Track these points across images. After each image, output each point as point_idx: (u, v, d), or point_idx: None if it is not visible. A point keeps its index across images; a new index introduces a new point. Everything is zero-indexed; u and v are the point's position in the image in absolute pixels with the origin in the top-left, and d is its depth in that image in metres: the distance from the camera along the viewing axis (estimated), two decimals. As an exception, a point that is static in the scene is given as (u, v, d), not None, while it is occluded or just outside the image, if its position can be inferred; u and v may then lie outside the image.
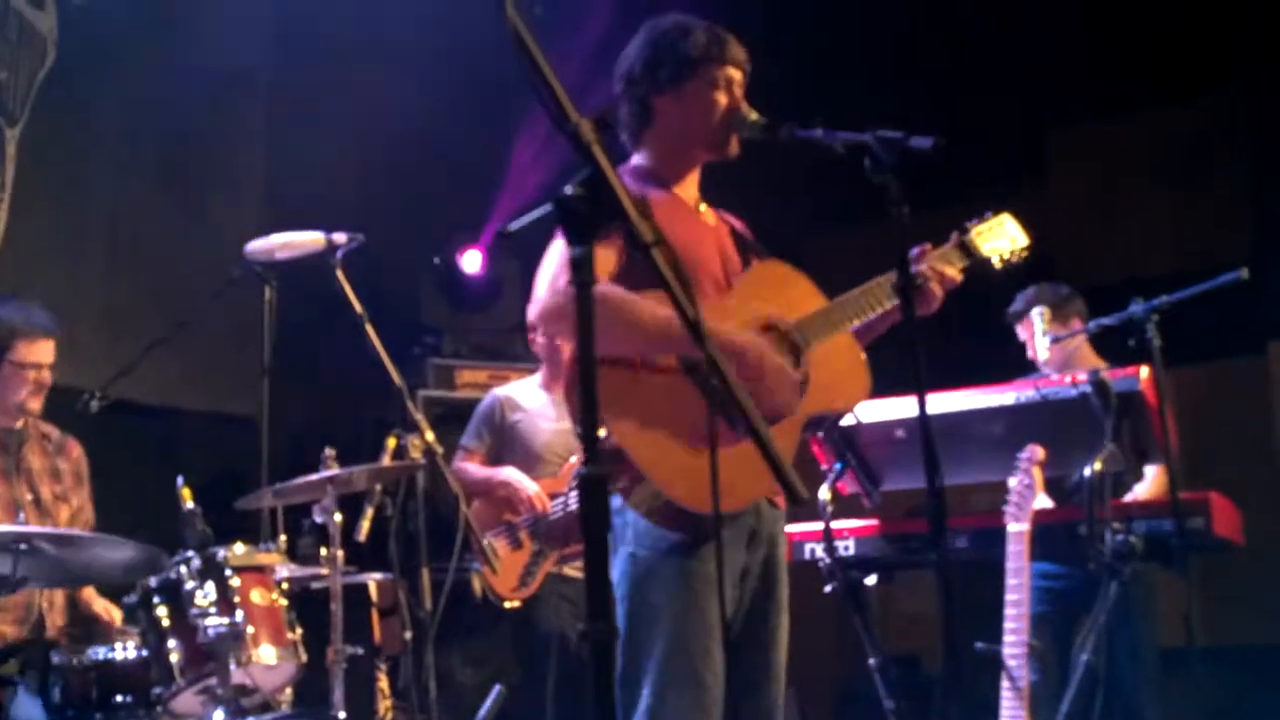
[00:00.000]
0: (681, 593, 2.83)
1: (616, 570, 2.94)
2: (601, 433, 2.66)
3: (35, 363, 4.49)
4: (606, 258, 2.81)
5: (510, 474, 4.92)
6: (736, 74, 3.08)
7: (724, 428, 2.69)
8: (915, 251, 3.13)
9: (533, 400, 5.14)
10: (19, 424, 4.55)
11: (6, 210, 5.81)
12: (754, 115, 3.03)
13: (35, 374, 4.49)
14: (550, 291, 2.83)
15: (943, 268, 3.16)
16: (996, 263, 3.33)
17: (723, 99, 3.04)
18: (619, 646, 2.87)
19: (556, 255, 2.89)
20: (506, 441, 5.09)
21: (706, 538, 2.79)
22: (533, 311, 2.88)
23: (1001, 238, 3.34)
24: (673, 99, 3.04)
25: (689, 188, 3.15)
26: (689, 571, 2.83)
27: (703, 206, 3.17)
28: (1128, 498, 4.55)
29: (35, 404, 4.52)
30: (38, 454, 4.59)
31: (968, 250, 3.26)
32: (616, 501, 2.91)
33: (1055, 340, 4.84)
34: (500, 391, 5.24)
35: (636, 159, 3.14)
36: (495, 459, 5.07)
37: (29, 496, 4.46)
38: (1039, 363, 4.97)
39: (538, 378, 5.23)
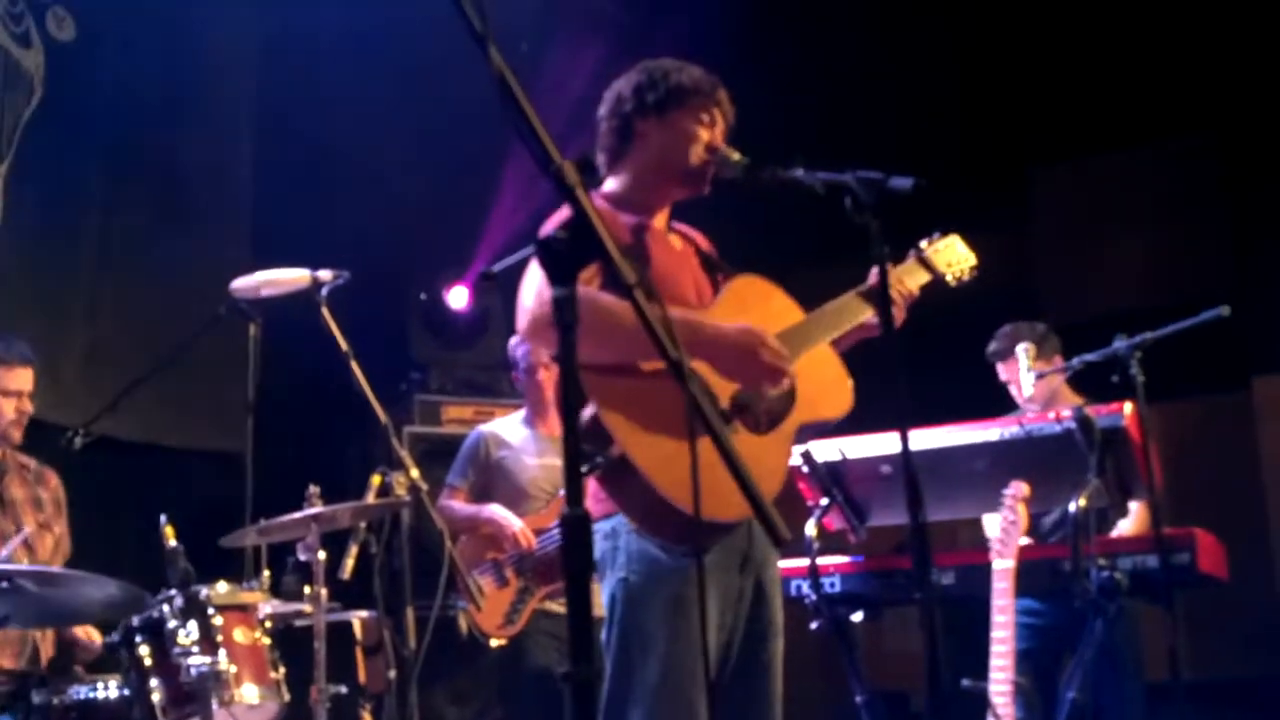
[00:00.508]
0: (675, 619, 2.81)
1: (606, 595, 2.92)
2: (612, 450, 2.70)
3: (15, 390, 4.51)
4: (590, 273, 2.78)
5: (495, 511, 4.92)
6: (721, 117, 3.11)
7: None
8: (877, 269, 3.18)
9: (517, 436, 5.15)
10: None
11: (-8, 244, 5.81)
12: (736, 155, 3.05)
13: (16, 402, 4.49)
14: (538, 302, 2.81)
15: (904, 282, 3.26)
16: (950, 280, 3.41)
17: (705, 135, 3.07)
18: (608, 672, 2.87)
19: (536, 268, 2.87)
20: (492, 478, 5.09)
21: (700, 549, 2.77)
22: (522, 322, 2.86)
23: (953, 256, 3.43)
24: (657, 123, 3.07)
25: (660, 218, 3.16)
26: (684, 598, 2.81)
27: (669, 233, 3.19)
28: (1113, 534, 4.55)
29: (16, 433, 4.53)
30: (19, 485, 4.59)
31: (926, 265, 3.33)
32: (607, 525, 2.90)
33: (1040, 376, 4.85)
34: (485, 428, 5.24)
35: (609, 185, 3.15)
36: (481, 496, 5.07)
37: (13, 528, 4.45)
38: (1022, 400, 4.99)
39: (522, 414, 5.24)
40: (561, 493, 4.88)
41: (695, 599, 2.77)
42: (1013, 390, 5.10)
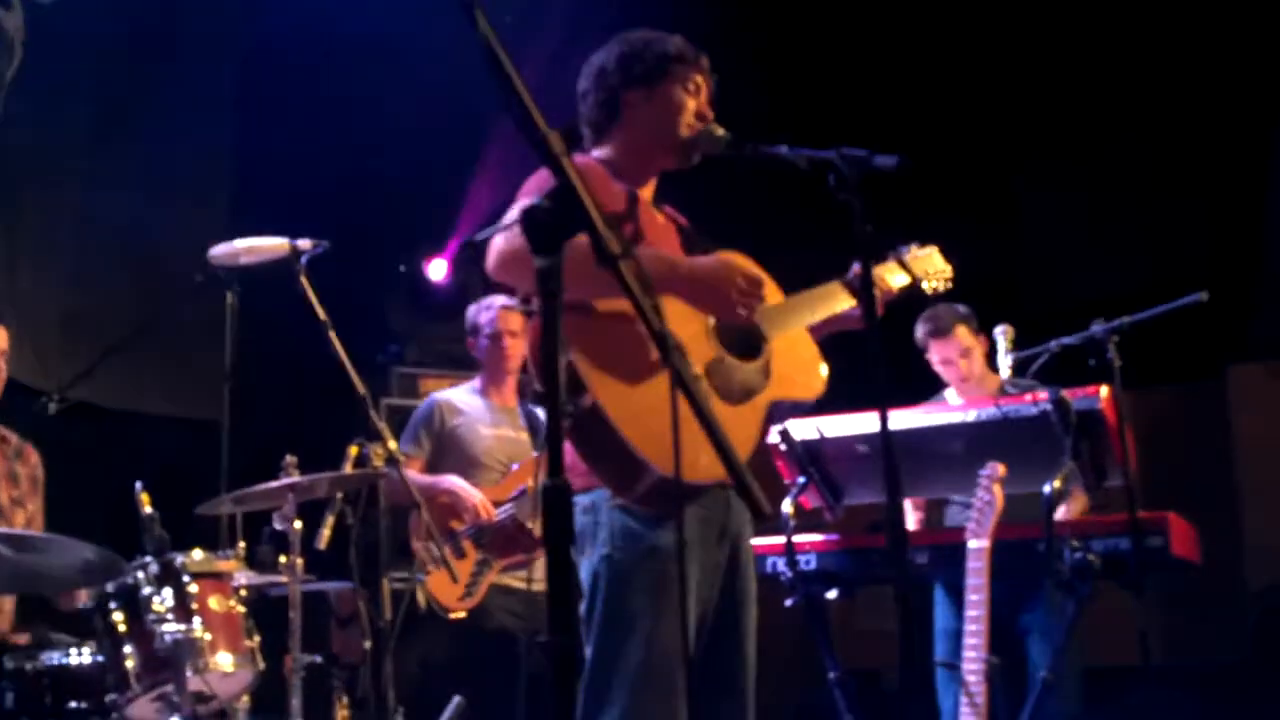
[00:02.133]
0: (659, 597, 2.80)
1: (587, 571, 2.89)
2: (583, 400, 2.68)
3: None
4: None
5: (454, 481, 4.84)
6: (704, 84, 3.11)
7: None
8: (857, 266, 3.18)
9: (470, 404, 5.08)
10: None
11: (-25, 209, 5.78)
12: (720, 131, 3.05)
13: None
14: (507, 239, 2.80)
15: (885, 280, 3.31)
16: (927, 287, 3.47)
17: (692, 103, 3.07)
18: (590, 649, 2.85)
19: (512, 213, 2.88)
20: (446, 447, 4.99)
21: (676, 541, 2.78)
22: (491, 259, 2.83)
23: (931, 265, 3.48)
24: (644, 95, 3.06)
25: (647, 190, 3.16)
26: (667, 574, 2.80)
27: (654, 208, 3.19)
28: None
29: None
30: None
31: (906, 269, 3.38)
32: (587, 499, 2.88)
33: (1017, 358, 4.88)
34: (439, 395, 5.15)
35: (598, 152, 3.13)
36: (433, 465, 5.00)
37: None
38: (959, 381, 5.00)
39: (475, 382, 5.17)
40: (515, 465, 4.90)
41: (677, 575, 2.76)
42: (945, 370, 5.08)
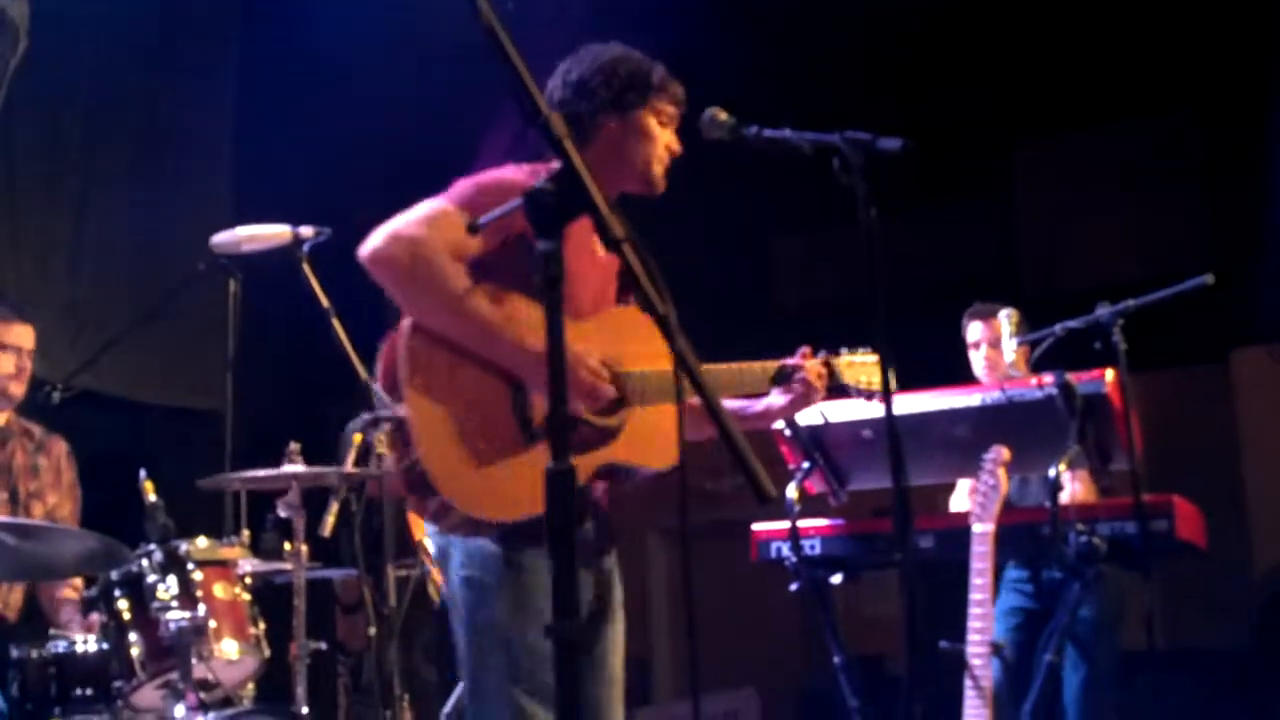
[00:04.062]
0: (524, 609, 2.76)
1: (450, 588, 2.87)
2: (400, 409, 2.68)
3: (14, 345, 4.49)
4: (469, 239, 2.74)
5: None
6: (677, 114, 3.03)
7: (514, 434, 2.72)
8: (798, 354, 3.19)
9: None
10: (3, 420, 4.52)
11: (-18, 196, 5.78)
12: (723, 115, 3.02)
13: (15, 358, 4.47)
14: (390, 237, 2.75)
15: (844, 370, 3.25)
16: (853, 393, 3.33)
17: (666, 135, 2.99)
18: (463, 670, 2.85)
19: (424, 207, 2.81)
20: None
21: (532, 554, 2.75)
22: (365, 249, 2.77)
23: (865, 374, 3.31)
24: (621, 123, 2.96)
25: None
26: (528, 586, 2.76)
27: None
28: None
29: (17, 388, 4.52)
30: (20, 451, 4.57)
31: (832, 371, 3.24)
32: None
33: (1021, 343, 4.87)
34: None
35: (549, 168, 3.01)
36: None
37: (3, 495, 4.43)
38: (988, 368, 5.01)
39: None
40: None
41: (539, 585, 2.71)
42: (974, 355, 5.07)
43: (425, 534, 4.74)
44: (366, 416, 3.80)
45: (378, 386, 2.80)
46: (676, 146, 3.02)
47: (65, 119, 6.14)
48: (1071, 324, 4.33)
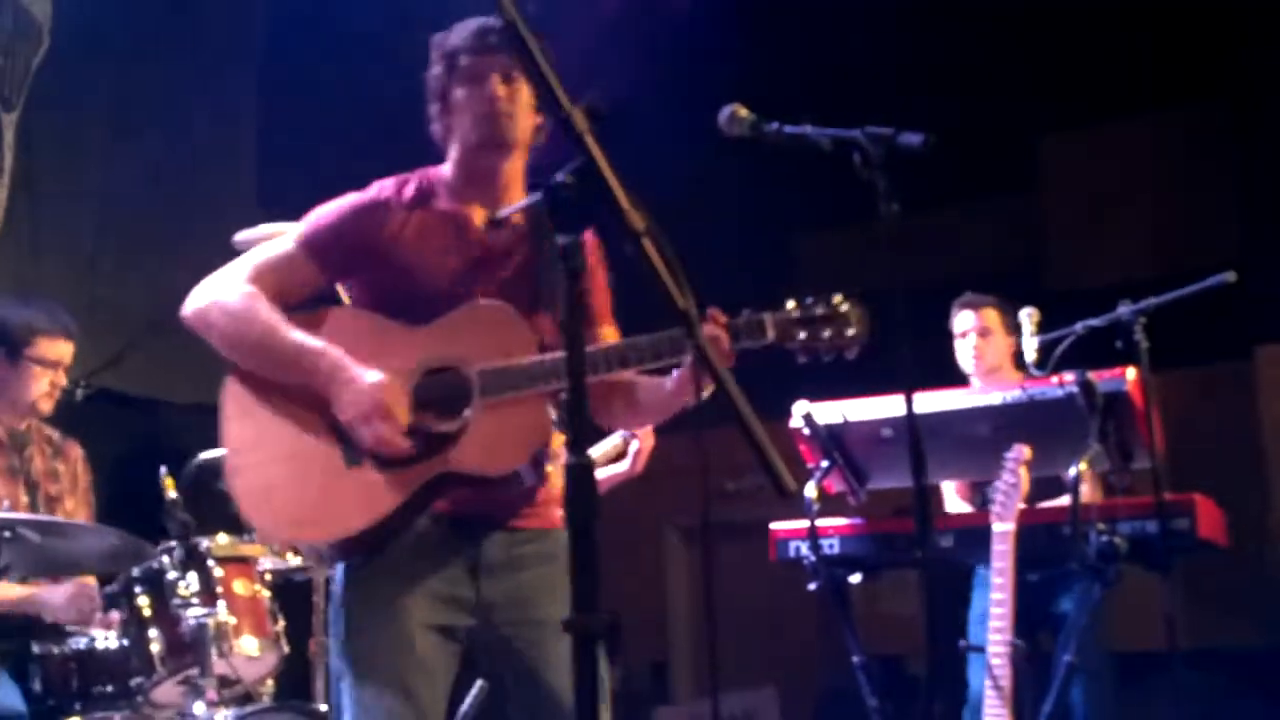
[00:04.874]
0: (348, 626, 2.75)
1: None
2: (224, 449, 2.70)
3: (54, 360, 4.46)
4: (305, 275, 2.79)
5: None
6: (480, 60, 2.87)
7: (331, 456, 2.68)
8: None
9: None
10: (24, 425, 4.53)
11: (5, 195, 5.79)
12: (743, 113, 3.01)
13: (51, 374, 4.46)
14: (205, 288, 2.85)
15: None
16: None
17: (475, 91, 2.86)
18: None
19: (263, 250, 2.86)
20: None
21: (370, 568, 2.72)
22: (186, 306, 2.85)
23: (829, 326, 2.77)
24: (444, 112, 2.94)
25: (496, 199, 2.88)
26: (376, 593, 2.72)
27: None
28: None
29: (47, 405, 4.49)
30: (39, 456, 4.57)
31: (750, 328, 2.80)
32: None
33: (1046, 343, 4.85)
34: None
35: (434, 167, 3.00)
36: None
37: (25, 499, 4.44)
38: (980, 366, 4.99)
39: None
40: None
41: (390, 598, 2.70)
42: (960, 346, 5.03)
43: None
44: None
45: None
46: (500, 90, 2.83)
47: (87, 117, 6.16)
48: (1093, 322, 4.31)
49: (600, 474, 4.23)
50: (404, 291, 2.77)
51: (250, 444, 2.73)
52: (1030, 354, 4.80)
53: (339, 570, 2.78)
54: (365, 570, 2.74)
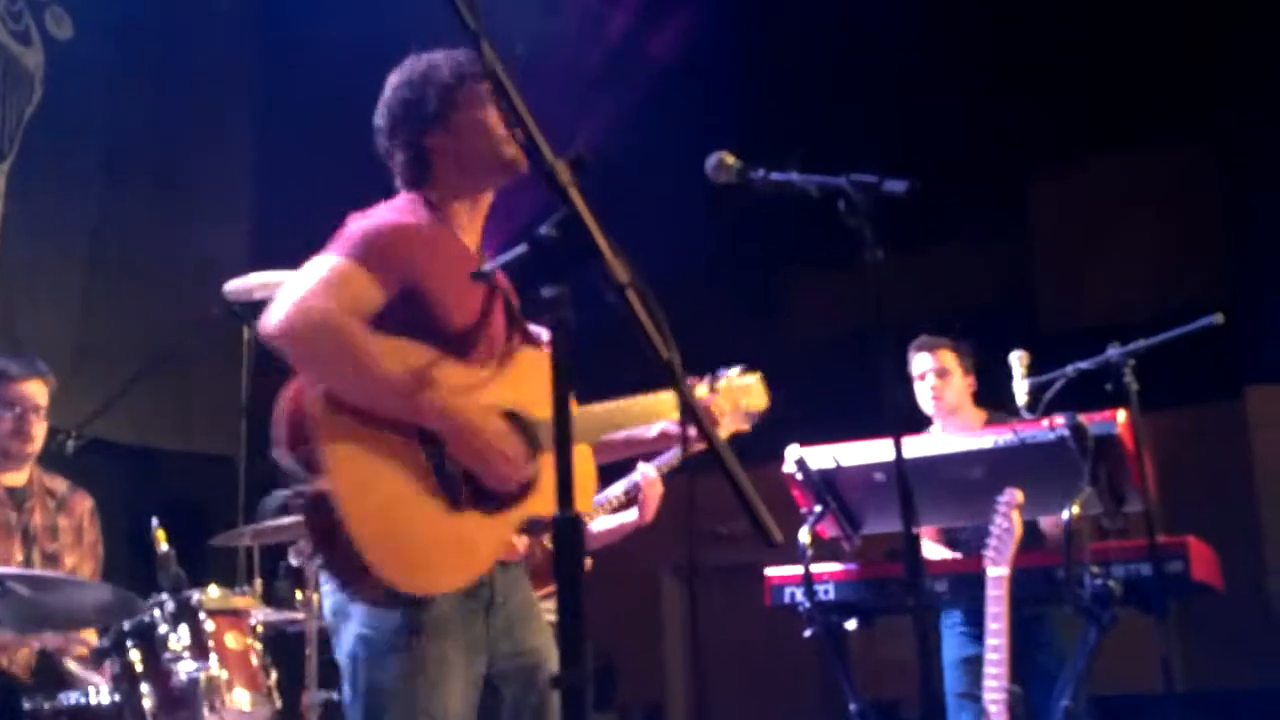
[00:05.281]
0: (415, 678, 2.67)
1: (344, 651, 2.77)
2: (317, 480, 2.55)
3: (26, 397, 4.44)
4: (372, 294, 2.66)
5: None
6: (490, 87, 2.73)
7: (438, 499, 2.62)
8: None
9: None
10: (24, 480, 4.50)
11: None
12: (730, 160, 3.02)
13: (30, 415, 4.43)
14: (293, 310, 2.60)
15: (739, 397, 3.24)
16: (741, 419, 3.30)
17: (492, 115, 2.82)
18: None
19: (320, 268, 2.68)
20: None
21: (433, 617, 2.68)
22: (270, 322, 2.62)
23: (747, 397, 3.29)
24: (445, 133, 2.85)
25: (473, 230, 2.94)
26: (423, 656, 2.67)
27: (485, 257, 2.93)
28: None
29: (18, 446, 4.45)
30: (40, 511, 4.55)
31: (714, 393, 3.23)
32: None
33: (1036, 385, 4.86)
34: None
35: (414, 193, 2.91)
36: None
37: (20, 556, 4.41)
38: (938, 408, 5.00)
39: None
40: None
41: (436, 655, 2.67)
42: (919, 388, 5.03)
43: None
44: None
45: (282, 452, 2.67)
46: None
47: (80, 166, 6.19)
48: (1083, 365, 4.32)
49: (610, 521, 4.23)
50: (439, 322, 2.72)
51: (359, 487, 2.58)
52: (1021, 397, 4.80)
53: (395, 615, 2.67)
54: (431, 612, 2.68)
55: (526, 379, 2.78)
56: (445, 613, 2.69)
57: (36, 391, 4.49)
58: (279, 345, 2.62)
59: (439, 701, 2.67)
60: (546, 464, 2.73)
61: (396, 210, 2.85)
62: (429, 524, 2.63)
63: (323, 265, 2.68)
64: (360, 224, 2.78)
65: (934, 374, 5.00)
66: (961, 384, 5.03)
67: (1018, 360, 4.81)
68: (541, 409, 2.64)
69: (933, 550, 4.89)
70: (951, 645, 4.83)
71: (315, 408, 2.59)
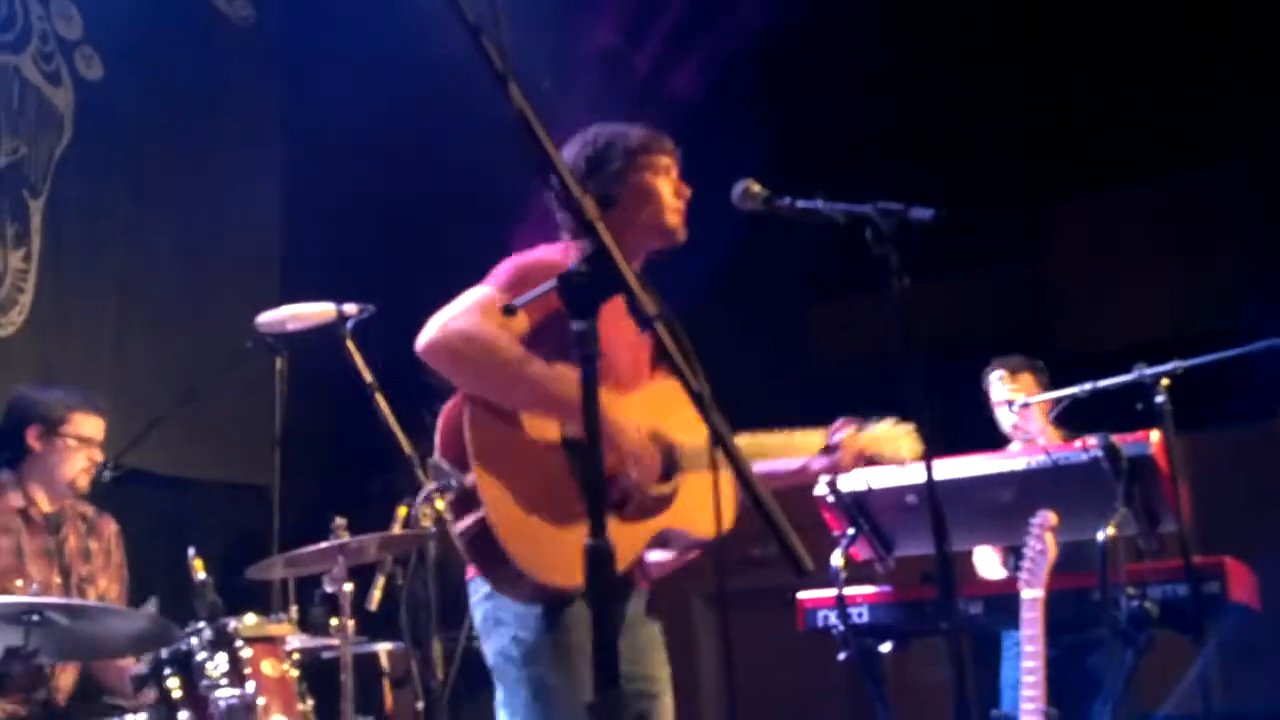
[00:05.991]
0: (577, 668, 2.78)
1: (497, 654, 2.91)
2: (468, 479, 2.74)
3: (89, 436, 4.55)
4: (517, 320, 2.81)
5: None
6: (674, 162, 3.14)
7: (577, 499, 2.74)
8: (837, 423, 3.31)
9: None
10: (58, 506, 4.57)
11: (34, 280, 5.88)
12: (756, 188, 3.06)
13: (87, 450, 4.53)
14: (443, 328, 2.83)
15: (883, 446, 3.36)
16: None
17: (667, 185, 3.09)
18: None
19: (471, 296, 2.89)
20: None
21: (574, 614, 2.80)
22: (420, 342, 2.85)
23: (893, 443, 3.41)
24: (620, 192, 3.06)
25: None
26: (577, 646, 2.79)
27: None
28: None
29: (84, 481, 4.57)
30: (73, 535, 4.61)
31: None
32: (487, 586, 2.91)
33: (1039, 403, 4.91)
34: None
35: (578, 245, 3.09)
36: None
37: (57, 579, 4.47)
38: (1014, 425, 5.04)
39: None
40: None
41: (587, 645, 2.75)
42: (998, 411, 5.08)
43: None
44: (431, 488, 3.84)
45: (439, 458, 2.86)
46: (685, 190, 3.11)
47: (110, 200, 6.25)
48: (1106, 384, 4.31)
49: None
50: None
51: (504, 487, 2.78)
52: (1005, 420, 4.86)
53: (541, 613, 2.83)
54: (573, 610, 2.80)
55: (667, 404, 2.94)
56: (586, 615, 2.78)
57: (100, 427, 4.60)
58: (429, 360, 2.84)
59: (586, 687, 2.75)
60: (684, 483, 2.95)
61: (551, 250, 3.04)
62: (568, 523, 2.77)
63: (473, 293, 2.91)
64: (514, 259, 2.99)
65: (1015, 399, 5.04)
66: (1039, 408, 5.04)
67: (998, 379, 4.84)
68: (681, 433, 2.94)
69: (992, 570, 4.88)
70: (1011, 666, 4.80)
71: (464, 410, 2.83)
